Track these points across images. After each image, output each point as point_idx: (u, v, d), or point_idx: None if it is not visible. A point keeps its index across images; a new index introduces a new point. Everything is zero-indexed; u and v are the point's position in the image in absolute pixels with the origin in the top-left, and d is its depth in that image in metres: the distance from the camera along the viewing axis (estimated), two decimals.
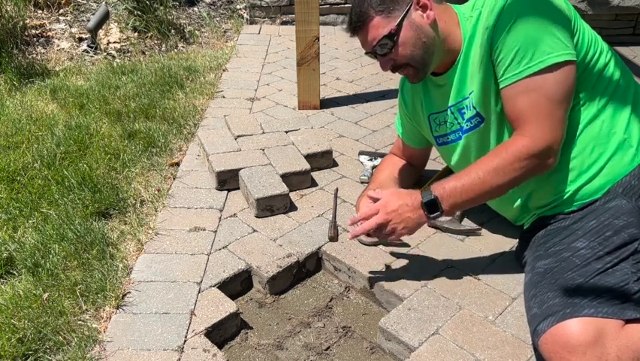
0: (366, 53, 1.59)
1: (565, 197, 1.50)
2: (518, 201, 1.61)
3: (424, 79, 1.60)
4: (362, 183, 2.16)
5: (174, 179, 2.18)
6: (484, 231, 1.83)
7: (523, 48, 1.37)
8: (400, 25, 1.48)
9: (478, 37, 1.49)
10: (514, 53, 1.38)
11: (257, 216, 1.94)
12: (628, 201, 1.41)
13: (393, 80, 3.20)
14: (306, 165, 2.12)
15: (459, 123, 1.64)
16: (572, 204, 1.49)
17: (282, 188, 1.96)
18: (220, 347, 1.49)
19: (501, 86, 1.45)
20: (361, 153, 2.34)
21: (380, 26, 1.49)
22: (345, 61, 3.62)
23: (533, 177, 1.52)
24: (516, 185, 1.44)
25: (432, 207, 1.45)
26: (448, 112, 1.65)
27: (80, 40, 3.84)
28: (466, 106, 1.58)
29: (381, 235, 1.51)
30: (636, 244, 1.32)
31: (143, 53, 3.79)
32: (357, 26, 1.53)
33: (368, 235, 1.78)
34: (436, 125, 1.73)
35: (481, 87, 1.51)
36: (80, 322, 1.48)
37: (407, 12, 1.49)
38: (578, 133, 1.46)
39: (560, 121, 1.39)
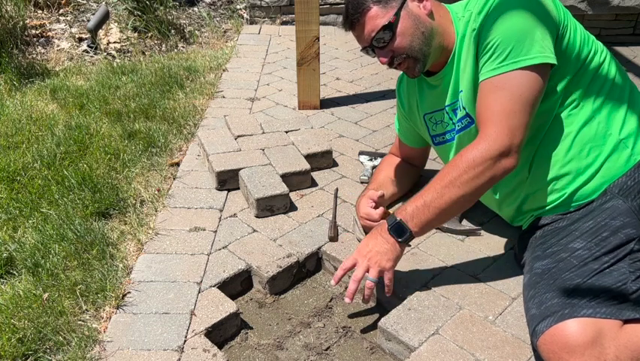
0: (363, 49, 1.57)
1: (562, 199, 1.50)
2: (514, 204, 1.61)
3: (422, 71, 1.58)
4: (362, 183, 2.16)
5: (174, 179, 2.18)
6: (484, 231, 1.83)
7: (502, 46, 1.37)
8: (397, 15, 1.48)
9: (467, 39, 1.49)
10: (493, 49, 1.39)
11: (257, 216, 1.94)
12: (624, 202, 1.41)
13: (393, 80, 3.20)
14: (306, 165, 2.12)
15: (453, 123, 1.64)
16: (569, 205, 1.50)
17: (282, 188, 1.96)
18: (220, 347, 1.49)
19: (479, 81, 1.44)
20: (361, 153, 2.34)
21: (378, 16, 1.48)
22: (345, 61, 3.62)
23: (528, 181, 1.52)
24: (481, 191, 1.39)
25: (399, 231, 1.42)
26: (444, 112, 1.65)
27: (80, 40, 3.84)
28: (459, 106, 1.59)
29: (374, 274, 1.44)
30: (632, 244, 1.33)
31: (143, 53, 3.79)
32: (354, 19, 1.51)
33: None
34: (433, 125, 1.73)
35: (469, 88, 1.51)
36: (80, 322, 1.48)
37: (404, 2, 1.49)
38: (574, 135, 1.46)
39: (522, 124, 1.36)
